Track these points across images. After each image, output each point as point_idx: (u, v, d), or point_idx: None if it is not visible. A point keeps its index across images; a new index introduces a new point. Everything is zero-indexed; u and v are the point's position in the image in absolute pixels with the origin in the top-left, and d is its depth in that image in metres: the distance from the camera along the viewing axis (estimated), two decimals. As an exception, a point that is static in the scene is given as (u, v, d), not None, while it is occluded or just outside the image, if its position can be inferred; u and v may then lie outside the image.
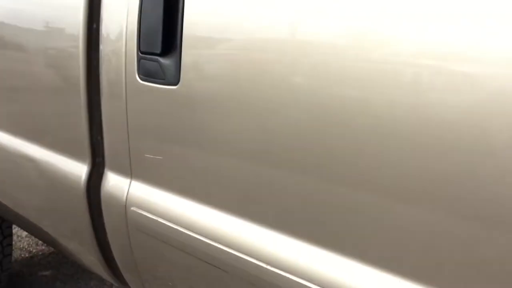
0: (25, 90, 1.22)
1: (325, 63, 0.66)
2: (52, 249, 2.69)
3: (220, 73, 0.81)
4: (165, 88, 0.89)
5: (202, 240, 0.88)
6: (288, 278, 0.76)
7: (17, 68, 1.22)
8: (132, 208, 1.00)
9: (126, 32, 0.94)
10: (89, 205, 1.13)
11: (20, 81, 1.22)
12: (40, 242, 2.72)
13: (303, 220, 0.75)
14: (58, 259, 2.59)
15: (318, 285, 0.72)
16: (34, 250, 2.63)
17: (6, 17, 1.24)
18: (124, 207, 1.03)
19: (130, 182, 1.02)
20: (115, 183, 1.06)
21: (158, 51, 0.88)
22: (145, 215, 0.97)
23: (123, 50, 0.96)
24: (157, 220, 0.94)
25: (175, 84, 0.87)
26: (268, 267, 0.79)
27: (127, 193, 1.02)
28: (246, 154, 0.80)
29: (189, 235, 0.91)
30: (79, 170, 1.13)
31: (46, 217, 1.34)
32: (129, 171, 1.02)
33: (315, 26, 0.67)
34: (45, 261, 2.56)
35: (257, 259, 0.80)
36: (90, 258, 1.23)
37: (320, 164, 0.70)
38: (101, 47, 1.02)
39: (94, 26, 1.03)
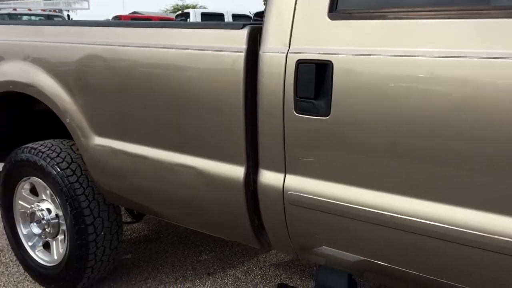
0: (193, 118, 1.77)
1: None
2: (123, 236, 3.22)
3: (362, 108, 1.42)
4: (318, 119, 1.49)
5: (347, 205, 1.50)
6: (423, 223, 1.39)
7: (187, 103, 1.78)
8: (289, 192, 1.61)
9: (284, 85, 1.53)
10: (246, 195, 1.72)
11: (191, 112, 1.78)
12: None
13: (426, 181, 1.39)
14: (133, 244, 3.13)
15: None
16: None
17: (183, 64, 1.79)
18: (281, 192, 1.63)
19: (285, 176, 1.62)
20: (271, 177, 1.65)
21: (312, 97, 1.49)
22: (302, 195, 1.58)
23: (281, 94, 1.55)
24: (313, 198, 1.55)
25: (326, 116, 1.47)
26: (396, 215, 1.42)
27: (283, 183, 1.62)
28: (375, 148, 1.43)
29: (336, 203, 1.52)
30: (237, 171, 1.71)
31: (202, 208, 1.91)
32: (283, 169, 1.62)
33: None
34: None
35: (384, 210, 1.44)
36: (242, 233, 1.83)
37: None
38: (258, 90, 1.60)
39: (249, 78, 1.62)
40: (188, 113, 1.78)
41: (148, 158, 1.95)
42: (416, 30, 1.35)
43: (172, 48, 1.78)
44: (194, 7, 41.99)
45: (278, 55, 1.55)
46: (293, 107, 1.54)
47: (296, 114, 1.54)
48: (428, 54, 1.32)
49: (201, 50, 1.71)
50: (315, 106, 1.50)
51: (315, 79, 1.48)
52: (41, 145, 2.41)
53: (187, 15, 13.29)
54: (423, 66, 1.32)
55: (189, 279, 2.72)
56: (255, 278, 2.72)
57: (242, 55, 1.61)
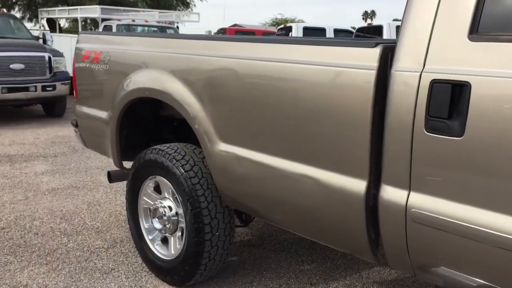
0: (318, 131, 1.86)
1: None
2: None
3: (500, 130, 1.40)
4: (450, 139, 1.50)
5: (475, 228, 1.48)
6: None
7: (314, 116, 1.87)
8: (413, 210, 1.62)
9: (416, 103, 1.56)
10: (365, 208, 1.76)
11: (317, 125, 1.86)
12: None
13: None
14: (238, 247, 3.28)
15: None
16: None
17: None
18: (404, 209, 1.65)
19: (409, 193, 1.64)
20: (394, 193, 1.68)
21: (446, 117, 1.50)
22: (427, 214, 1.58)
23: (412, 113, 1.57)
24: (439, 217, 1.56)
25: (459, 136, 1.48)
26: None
27: (407, 200, 1.64)
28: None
29: (463, 224, 1.51)
30: (359, 185, 1.76)
31: (318, 217, 1.98)
32: (408, 186, 1.64)
33: None
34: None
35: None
36: (357, 245, 1.87)
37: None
38: (387, 107, 1.64)
39: (377, 95, 1.66)
40: (314, 126, 1.87)
41: (271, 166, 2.06)
42: None
43: (303, 63, 1.88)
44: (292, 20, 42.60)
45: (411, 74, 1.59)
46: (423, 126, 1.56)
47: (427, 133, 1.55)
48: None
49: (332, 66, 1.78)
50: (448, 126, 1.51)
51: (450, 103, 1.49)
52: (168, 147, 2.63)
53: (289, 29, 13.55)
54: None
55: (293, 287, 2.79)
56: (358, 294, 2.73)
57: (373, 73, 1.67)
